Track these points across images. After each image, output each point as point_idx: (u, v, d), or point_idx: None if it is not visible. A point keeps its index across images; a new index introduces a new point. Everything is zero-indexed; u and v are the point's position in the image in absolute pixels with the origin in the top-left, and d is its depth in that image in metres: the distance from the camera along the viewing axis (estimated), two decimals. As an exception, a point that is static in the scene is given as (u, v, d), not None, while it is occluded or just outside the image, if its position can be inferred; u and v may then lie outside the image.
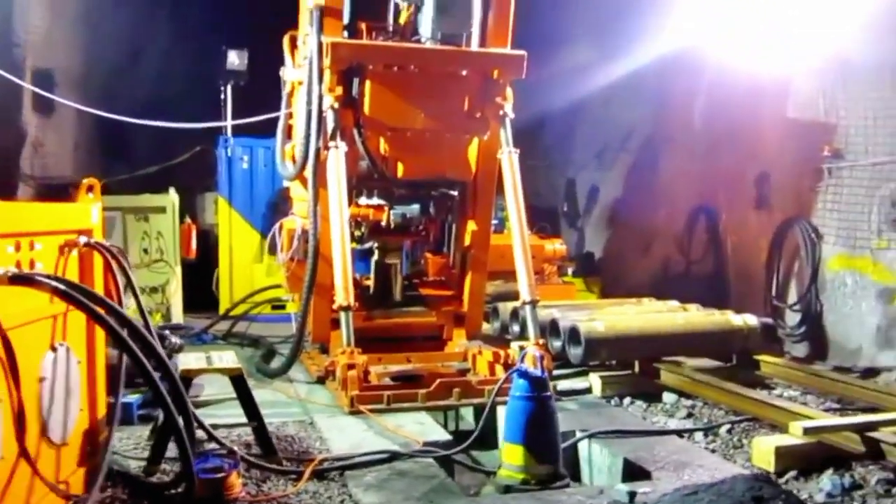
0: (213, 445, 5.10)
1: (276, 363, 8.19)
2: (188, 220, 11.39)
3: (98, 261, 4.74)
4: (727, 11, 10.14)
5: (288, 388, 7.36)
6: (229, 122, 12.28)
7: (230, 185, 12.33)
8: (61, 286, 3.64)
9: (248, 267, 12.21)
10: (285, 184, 11.39)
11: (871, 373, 7.96)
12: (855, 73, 8.84)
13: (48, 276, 3.72)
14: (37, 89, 9.71)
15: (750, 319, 7.74)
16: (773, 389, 7.23)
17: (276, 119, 8.92)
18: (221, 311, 11.40)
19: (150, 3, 14.05)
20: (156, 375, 3.83)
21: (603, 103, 13.84)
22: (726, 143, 10.87)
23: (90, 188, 4.89)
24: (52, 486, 4.04)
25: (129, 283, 4.70)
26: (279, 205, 12.00)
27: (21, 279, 3.54)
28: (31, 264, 4.09)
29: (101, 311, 3.76)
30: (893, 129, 8.54)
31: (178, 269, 11.00)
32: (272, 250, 8.63)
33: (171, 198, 10.96)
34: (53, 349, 4.29)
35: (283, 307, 11.21)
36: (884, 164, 8.64)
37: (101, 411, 4.93)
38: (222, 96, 12.61)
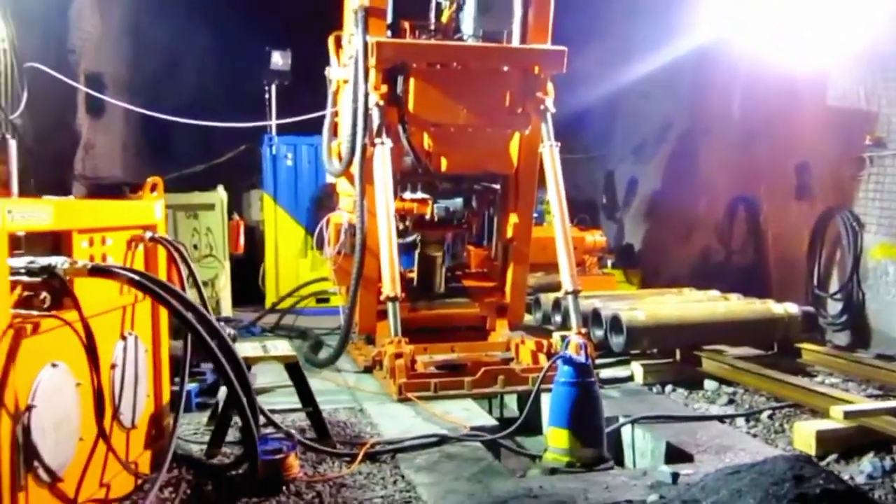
0: (271, 430, 5.34)
1: (323, 354, 8.44)
2: (236, 216, 11.69)
3: (162, 254, 5.02)
4: (762, 4, 10.16)
5: (336, 377, 7.59)
6: (274, 122, 12.56)
7: (275, 183, 12.61)
8: (136, 277, 3.89)
9: (293, 261, 12.49)
10: (329, 180, 11.69)
11: (913, 360, 7.97)
12: (894, 63, 8.82)
13: (124, 268, 3.97)
14: (94, 93, 10.07)
15: (791, 308, 7.82)
16: (815, 377, 7.30)
17: (319, 118, 9.18)
18: (268, 304, 11.70)
19: (190, 9, 14.42)
20: (222, 358, 4.05)
21: (641, 96, 13.93)
22: (765, 134, 10.89)
23: (154, 187, 5.15)
24: (125, 466, 4.31)
25: (191, 275, 4.95)
26: (323, 201, 12.28)
27: (100, 271, 3.80)
28: (103, 258, 4.37)
29: (171, 299, 3.98)
30: (935, 117, 8.53)
31: (227, 264, 11.30)
32: (319, 245, 8.86)
33: (220, 195, 11.27)
34: (123, 338, 4.57)
35: (327, 300, 11.51)
36: (926, 152, 8.64)
37: (165, 398, 5.21)
38: (266, 96, 12.88)
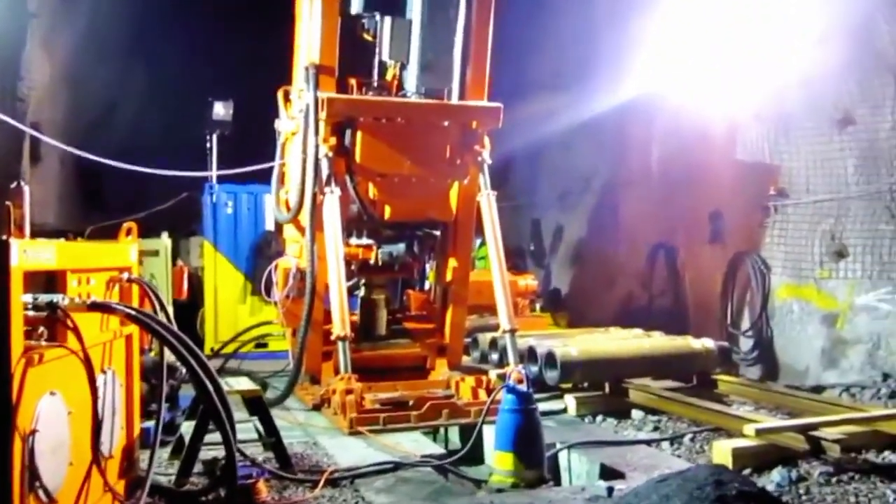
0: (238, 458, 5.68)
1: (270, 394, 8.75)
2: (180, 262, 11.94)
3: (136, 293, 5.38)
4: (679, 63, 11.09)
5: (287, 415, 7.90)
6: (214, 172, 12.91)
7: (215, 230, 12.87)
8: (132, 311, 4.27)
9: (232, 307, 12.72)
10: (269, 227, 12.11)
11: (817, 390, 8.73)
12: (795, 122, 9.79)
13: (120, 304, 4.35)
14: (53, 141, 10.26)
15: (708, 343, 8.53)
16: (730, 405, 7.98)
17: (260, 167, 9.61)
18: (206, 349, 11.88)
19: (127, 58, 14.74)
20: (209, 385, 4.44)
21: (565, 148, 14.76)
22: (682, 185, 11.77)
23: (129, 231, 5.53)
24: (112, 491, 4.63)
25: (164, 311, 5.32)
26: (262, 248, 12.65)
27: (98, 306, 4.18)
28: (88, 296, 4.72)
29: (163, 331, 4.37)
30: (830, 170, 9.47)
31: (171, 309, 11.46)
32: (267, 289, 9.20)
33: (164, 242, 11.53)
34: (103, 372, 4.90)
35: (266, 345, 11.82)
36: (823, 201, 9.56)
37: (136, 432, 5.52)
38: (208, 145, 13.23)
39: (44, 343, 3.98)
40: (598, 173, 14.34)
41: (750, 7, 9.66)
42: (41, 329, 4.15)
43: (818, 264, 9.61)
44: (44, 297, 4.10)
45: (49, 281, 4.40)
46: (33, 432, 3.85)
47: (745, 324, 10.60)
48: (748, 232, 10.62)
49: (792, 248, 9.96)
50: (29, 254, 3.81)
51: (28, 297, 4.00)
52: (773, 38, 9.49)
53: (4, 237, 3.72)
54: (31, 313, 3.98)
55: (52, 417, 4.07)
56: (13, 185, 4.10)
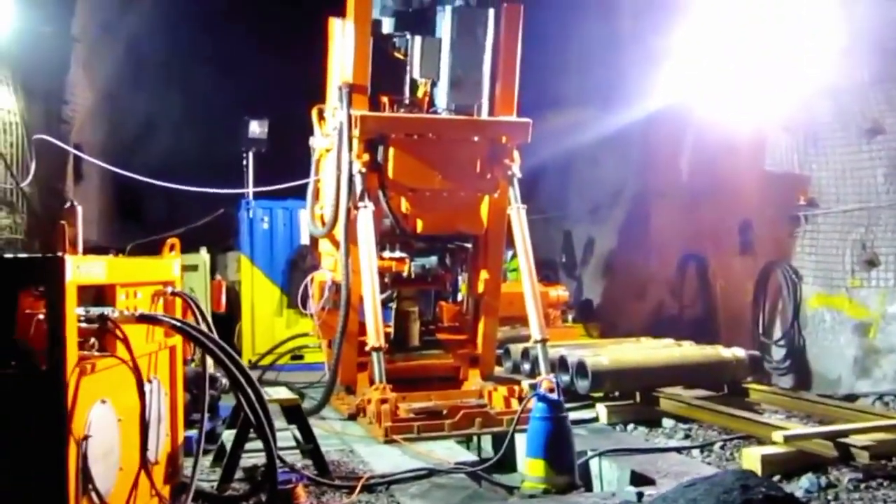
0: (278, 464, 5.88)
1: (306, 405, 8.97)
2: (218, 276, 12.23)
3: (179, 306, 5.61)
4: (707, 75, 11.19)
5: (323, 424, 8.10)
6: (251, 189, 13.22)
7: (251, 244, 13.18)
8: (177, 323, 4.49)
9: (269, 320, 13.01)
10: (304, 241, 12.36)
11: (850, 399, 8.73)
12: (823, 131, 9.84)
13: (166, 316, 4.57)
14: (98, 161, 10.64)
15: (738, 352, 8.58)
16: (761, 414, 8.02)
17: (295, 183, 9.89)
18: (244, 361, 12.14)
19: (164, 80, 15.17)
20: (251, 393, 4.65)
21: (595, 161, 14.89)
22: (711, 196, 11.84)
23: (172, 247, 5.78)
24: (159, 495, 4.84)
25: (206, 323, 5.53)
26: (297, 262, 12.92)
27: (146, 318, 4.40)
28: (135, 309, 4.95)
29: (207, 342, 4.59)
30: (860, 180, 9.50)
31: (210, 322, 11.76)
32: (303, 302, 9.43)
33: (203, 257, 11.81)
34: (149, 381, 5.12)
35: (302, 357, 12.07)
36: (853, 210, 9.59)
37: (179, 439, 5.75)
38: (244, 162, 13.54)
39: (96, 353, 4.20)
40: (627, 185, 14.43)
41: (777, 19, 9.73)
42: (92, 340, 4.39)
43: (849, 273, 9.62)
44: (95, 310, 4.34)
45: (98, 294, 4.65)
46: (86, 438, 4.07)
47: (777, 333, 10.62)
48: (778, 242, 10.65)
49: (823, 257, 9.98)
50: (82, 269, 4.05)
51: (80, 310, 4.23)
52: (800, 49, 9.55)
53: (60, 254, 3.96)
54: (83, 325, 4.21)
55: (103, 424, 4.29)
56: (67, 205, 4.34)
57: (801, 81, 9.81)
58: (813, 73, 9.62)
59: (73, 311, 3.95)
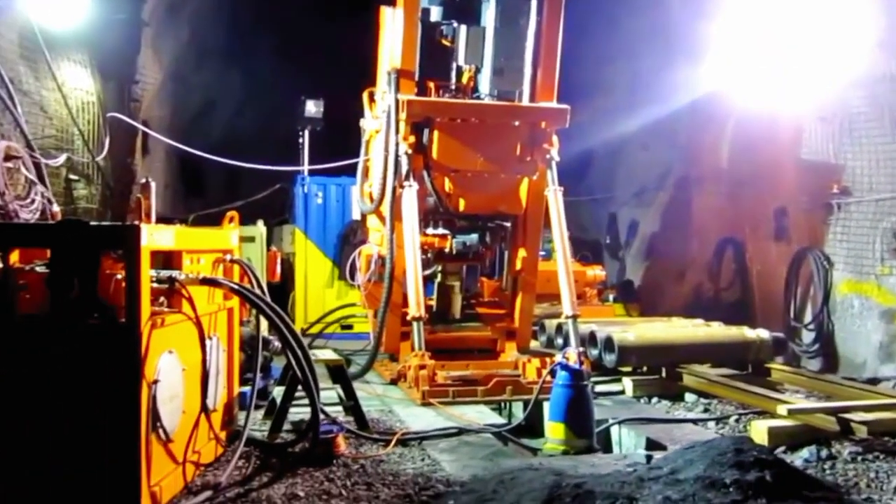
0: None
1: (352, 370, 9.59)
2: (273, 248, 12.93)
3: (237, 272, 6.25)
4: (748, 64, 11.45)
5: (366, 387, 8.71)
6: (306, 167, 13.86)
7: (306, 219, 13.86)
8: (235, 286, 5.11)
9: (321, 291, 13.70)
10: (356, 217, 12.98)
11: (872, 382, 9.03)
12: (858, 121, 10.07)
13: (226, 280, 5.19)
14: (162, 137, 11.41)
15: (762, 333, 8.95)
16: (783, 393, 8.38)
17: (347, 162, 10.48)
18: (297, 329, 12.83)
19: (225, 61, 15.88)
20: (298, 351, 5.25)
21: (641, 147, 15.21)
22: (749, 182, 12.12)
23: (231, 219, 6.41)
24: (216, 436, 5.49)
25: (261, 288, 6.16)
26: (348, 236, 13.57)
27: (208, 281, 5.03)
28: (198, 273, 5.59)
29: (261, 304, 5.20)
30: (892, 169, 9.72)
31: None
32: (351, 274, 10.04)
33: (260, 229, 12.52)
34: (209, 337, 5.77)
35: (351, 327, 12.73)
36: (885, 200, 9.81)
37: (235, 391, 6.40)
38: (300, 140, 14.20)
39: (165, 309, 4.84)
40: (672, 171, 14.72)
41: (815, 11, 9.96)
42: (161, 298, 5.04)
43: (879, 261, 9.85)
44: (164, 272, 4.98)
45: (167, 259, 5.30)
46: (156, 382, 4.71)
47: (808, 317, 10.90)
48: (812, 229, 10.91)
49: (854, 244, 10.22)
50: (154, 237, 4.68)
51: (152, 272, 4.87)
52: (835, 41, 9.78)
53: (137, 223, 4.59)
54: (154, 285, 4.85)
55: (170, 371, 4.94)
56: (142, 180, 4.97)
57: (838, 72, 10.04)
58: (849, 65, 9.85)
59: (147, 273, 4.58)
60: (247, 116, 16.92)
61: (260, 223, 12.64)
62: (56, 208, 7.86)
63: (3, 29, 8.42)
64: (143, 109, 12.21)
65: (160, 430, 4.80)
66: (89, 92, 10.11)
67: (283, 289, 13.52)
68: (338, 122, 13.48)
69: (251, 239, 12.35)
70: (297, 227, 13.85)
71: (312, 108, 14.12)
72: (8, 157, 7.55)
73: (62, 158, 8.97)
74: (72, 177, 9.41)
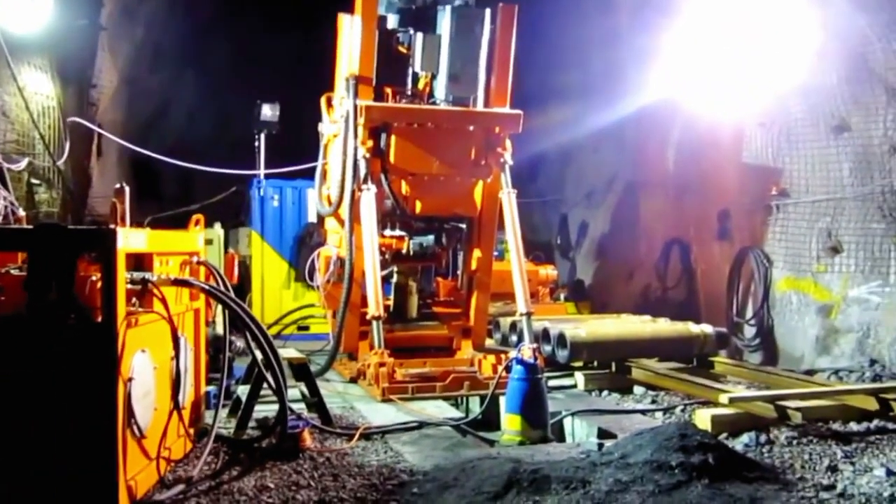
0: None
1: (312, 368, 9.78)
2: (231, 250, 13.04)
3: (202, 273, 6.43)
4: (693, 72, 11.94)
5: (327, 385, 8.91)
6: (262, 171, 14.01)
7: (262, 221, 13.98)
8: (206, 287, 5.31)
9: (277, 292, 13.84)
10: (312, 219, 13.16)
11: (809, 373, 9.51)
12: (796, 127, 10.59)
13: (196, 280, 5.39)
14: (119, 139, 11.48)
15: (706, 328, 9.40)
16: (725, 384, 8.82)
17: (304, 166, 10.68)
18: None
19: (179, 64, 15.93)
20: (268, 349, 5.47)
21: (591, 150, 15.67)
22: (694, 185, 12.62)
23: (197, 222, 6.59)
24: (187, 432, 5.68)
25: (226, 289, 6.35)
26: (305, 238, 13.74)
27: (180, 282, 5.23)
28: (168, 275, 5.77)
29: (232, 304, 5.40)
30: (827, 173, 10.26)
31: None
32: (310, 275, 10.24)
33: (217, 232, 12.61)
34: (179, 337, 5.95)
35: (307, 328, 12.93)
36: (820, 201, 10.35)
37: (202, 390, 6.59)
38: (256, 143, 14.32)
39: (140, 309, 5.03)
40: (620, 174, 15.20)
41: (757, 24, 10.45)
42: (133, 299, 5.21)
43: (815, 259, 10.38)
44: (137, 274, 5.16)
45: (137, 261, 5.47)
46: (130, 380, 4.89)
47: (749, 313, 11.40)
48: (752, 229, 11.43)
49: (792, 244, 10.74)
50: (129, 240, 4.86)
51: (126, 274, 5.05)
52: (776, 52, 10.29)
53: (112, 226, 4.77)
54: (128, 286, 5.03)
55: (143, 369, 5.12)
56: (117, 185, 5.14)
57: (777, 80, 10.55)
58: (788, 73, 10.37)
59: (123, 274, 4.76)
60: (201, 119, 16.98)
61: (217, 226, 12.75)
62: (21, 212, 7.96)
63: (-35, 35, 8.49)
64: (98, 113, 12.25)
65: (134, 427, 4.98)
66: (49, 96, 10.18)
67: (240, 290, 13.64)
68: (294, 125, 13.63)
69: (209, 241, 12.38)
70: (254, 230, 13.97)
71: (268, 111, 14.24)
72: (-30, 162, 7.63)
73: (24, 163, 9.05)
74: (33, 181, 9.48)
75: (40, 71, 10.14)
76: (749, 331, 11.33)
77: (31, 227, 5.22)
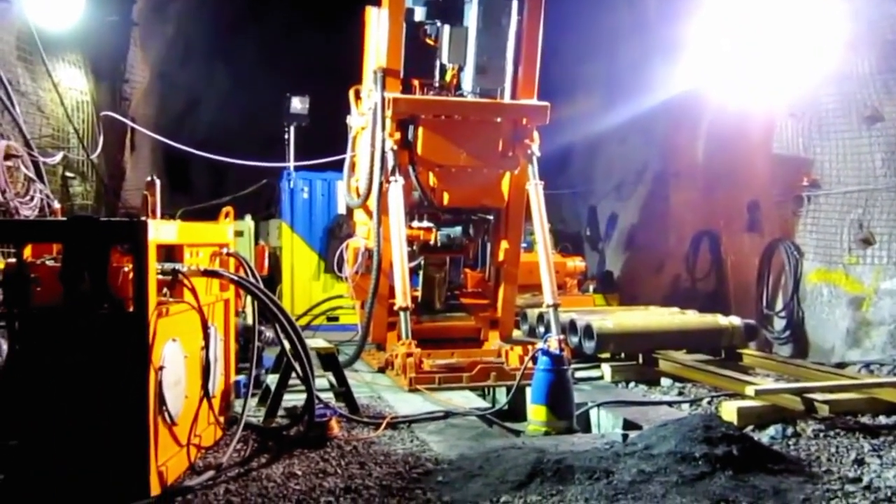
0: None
1: (340, 359, 9.89)
2: (262, 242, 13.20)
3: (232, 264, 6.54)
4: (723, 62, 11.86)
5: (355, 375, 8.99)
6: (292, 163, 14.12)
7: (292, 213, 14.10)
8: (235, 277, 5.41)
9: (307, 283, 13.97)
10: (341, 211, 13.27)
11: (840, 366, 9.41)
12: (827, 117, 10.48)
13: (226, 272, 5.50)
14: (153, 134, 11.65)
15: (735, 320, 9.35)
16: (754, 376, 8.78)
17: (333, 158, 10.78)
18: (287, 319, 13.13)
19: (210, 58, 16.09)
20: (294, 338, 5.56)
21: (621, 141, 15.60)
22: (724, 176, 12.53)
23: (227, 214, 6.70)
24: (218, 421, 5.79)
25: (256, 280, 6.45)
26: (335, 230, 13.86)
27: (210, 273, 5.33)
28: (198, 266, 5.88)
29: (260, 294, 5.50)
30: (859, 163, 10.15)
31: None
32: (339, 266, 10.34)
33: (248, 223, 12.80)
34: (209, 327, 6.06)
35: (337, 319, 13.04)
36: (852, 192, 10.24)
37: (231, 379, 6.70)
38: (286, 136, 14.45)
39: (170, 299, 5.14)
40: (650, 165, 15.12)
41: (786, 13, 10.36)
42: (164, 290, 5.33)
43: (847, 251, 10.27)
44: (168, 265, 5.27)
45: (168, 252, 5.59)
46: (161, 368, 5.01)
47: (779, 305, 11.31)
48: (783, 221, 11.32)
49: (823, 235, 10.63)
50: (160, 232, 4.97)
51: (157, 265, 5.17)
52: (807, 41, 10.19)
53: (144, 218, 4.88)
54: (159, 277, 5.14)
55: (174, 358, 5.24)
56: (148, 178, 5.26)
57: (809, 70, 10.45)
58: (819, 63, 10.27)
59: (154, 265, 4.87)
60: (232, 113, 17.15)
61: (248, 218, 12.92)
62: (56, 205, 8.14)
63: (1, 32, 8.66)
64: (131, 107, 12.45)
65: (165, 414, 5.10)
66: (83, 92, 10.37)
67: (270, 282, 13.78)
68: (323, 118, 13.73)
69: (240, 233, 12.60)
70: (284, 222, 14.11)
71: (298, 104, 14.34)
72: (8, 156, 7.81)
73: (59, 157, 9.25)
74: (68, 174, 9.69)
75: (74, 67, 10.33)
76: (779, 323, 11.25)
77: (65, 219, 5.35)
